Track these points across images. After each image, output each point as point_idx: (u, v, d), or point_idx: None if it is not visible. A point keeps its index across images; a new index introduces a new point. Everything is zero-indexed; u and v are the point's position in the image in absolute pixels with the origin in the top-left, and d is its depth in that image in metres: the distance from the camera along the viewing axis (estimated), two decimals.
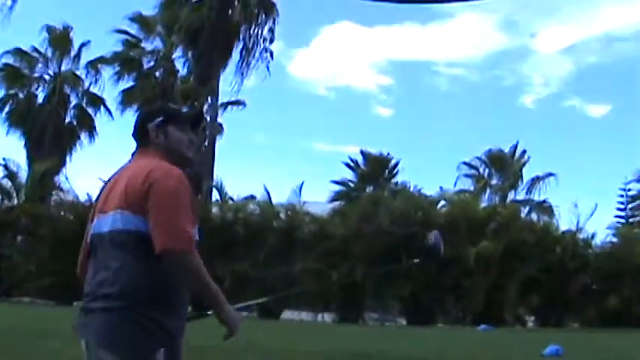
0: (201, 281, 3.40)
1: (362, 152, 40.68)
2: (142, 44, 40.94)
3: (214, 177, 37.37)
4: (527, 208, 40.17)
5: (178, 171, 3.49)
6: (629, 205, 45.01)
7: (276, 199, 33.33)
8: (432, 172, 71.88)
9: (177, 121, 3.72)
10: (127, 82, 40.61)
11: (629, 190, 45.22)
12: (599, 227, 42.48)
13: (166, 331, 3.41)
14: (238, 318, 3.61)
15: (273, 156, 67.29)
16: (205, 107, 39.68)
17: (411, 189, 34.73)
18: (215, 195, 35.76)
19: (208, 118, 38.83)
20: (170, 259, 3.30)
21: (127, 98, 40.11)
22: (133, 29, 40.68)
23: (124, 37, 40.55)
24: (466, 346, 12.56)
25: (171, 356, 3.44)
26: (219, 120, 40.99)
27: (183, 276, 3.38)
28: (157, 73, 41.13)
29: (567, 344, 12.46)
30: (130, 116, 40.02)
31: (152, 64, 41.15)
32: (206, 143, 38.37)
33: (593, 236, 32.95)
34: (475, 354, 9.95)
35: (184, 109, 3.37)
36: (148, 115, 3.75)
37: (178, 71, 41.52)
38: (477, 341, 15.44)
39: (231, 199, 34.13)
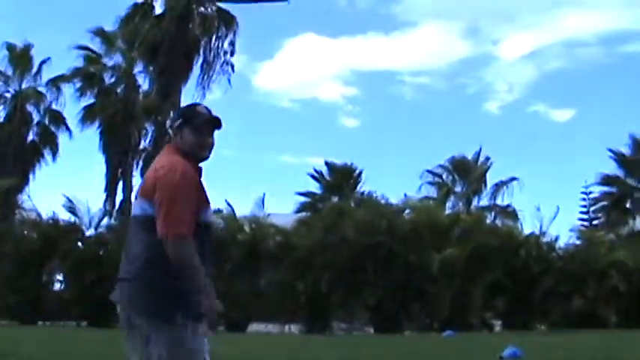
0: (188, 266, 3.93)
1: (326, 163, 40.78)
2: (103, 60, 40.70)
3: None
4: (492, 214, 40.55)
5: (183, 166, 4.09)
6: (592, 208, 45.51)
7: (242, 212, 33.34)
8: (397, 181, 72.26)
9: (193, 124, 4.24)
10: (88, 99, 40.40)
11: (590, 192, 45.75)
12: (563, 230, 42.96)
13: (185, 299, 3.98)
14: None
15: (239, 169, 67.35)
16: (168, 122, 39.55)
17: (376, 198, 34.83)
18: None
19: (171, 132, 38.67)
20: (166, 244, 3.92)
21: (88, 115, 39.87)
22: (95, 45, 40.45)
23: (84, 52, 40.32)
24: (429, 351, 12.62)
25: None
26: None
27: (177, 259, 3.92)
28: (119, 89, 40.93)
29: (529, 346, 12.56)
30: (92, 133, 39.84)
31: (113, 79, 40.95)
32: None
33: (556, 239, 33.28)
34: (436, 358, 10.00)
35: (204, 113, 3.63)
36: (174, 117, 4.44)
37: (140, 86, 41.33)
38: (440, 346, 15.50)
39: None
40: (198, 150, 4.25)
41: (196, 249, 3.96)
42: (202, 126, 4.26)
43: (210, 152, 4.32)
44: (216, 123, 4.36)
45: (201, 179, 4.22)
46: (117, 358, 6.36)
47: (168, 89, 38.77)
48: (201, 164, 4.29)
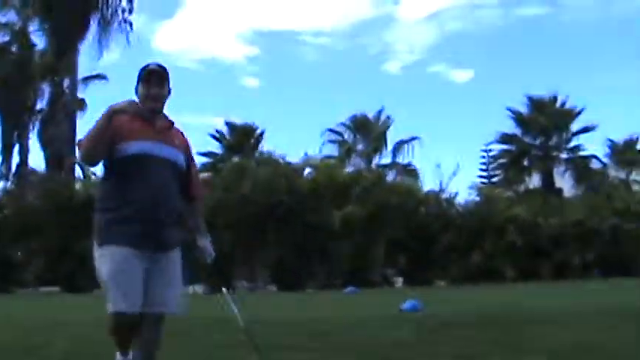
0: None
1: (227, 123, 40.49)
2: None
3: (76, 154, 36.50)
4: (393, 172, 41.01)
5: (113, 105, 4.60)
6: (491, 166, 46.53)
7: None
8: (298, 141, 72.54)
9: (139, 78, 4.80)
10: None
11: (490, 150, 46.74)
12: (464, 188, 43.80)
13: None
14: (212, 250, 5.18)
15: None
16: (66, 83, 38.66)
17: (277, 157, 34.75)
18: (78, 172, 34.95)
19: (68, 93, 37.89)
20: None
21: None
22: None
23: None
24: (331, 306, 12.72)
25: None
26: (81, 95, 39.98)
27: None
28: (13, 48, 39.67)
29: (428, 299, 12.76)
30: None
31: (7, 38, 39.66)
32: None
33: (455, 196, 33.89)
34: (337, 313, 10.06)
35: (146, 65, 4.76)
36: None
37: (35, 45, 40.09)
38: (341, 302, 15.65)
39: (95, 174, 33.40)
40: (143, 100, 4.79)
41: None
42: (141, 78, 4.80)
43: (155, 101, 4.83)
44: (147, 71, 4.79)
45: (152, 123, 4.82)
46: None
47: (65, 48, 37.66)
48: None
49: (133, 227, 4.64)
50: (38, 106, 39.48)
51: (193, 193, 5.20)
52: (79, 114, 39.15)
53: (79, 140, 4.75)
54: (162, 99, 4.92)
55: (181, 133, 5.12)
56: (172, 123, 5.01)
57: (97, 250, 4.76)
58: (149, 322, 4.84)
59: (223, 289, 5.64)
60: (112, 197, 4.74)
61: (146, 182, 4.72)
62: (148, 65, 4.87)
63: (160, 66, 4.93)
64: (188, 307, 5.91)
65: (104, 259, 4.69)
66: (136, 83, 4.83)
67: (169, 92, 4.99)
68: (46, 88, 39.61)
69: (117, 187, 4.72)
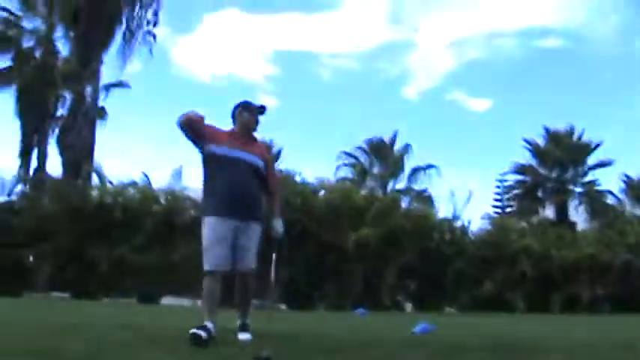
0: None
1: None
2: (22, 22, 39.76)
3: (94, 161, 36.73)
4: (408, 198, 41.04)
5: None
6: (506, 196, 46.48)
7: (159, 185, 33.05)
8: (314, 162, 72.64)
9: (246, 108, 7.93)
10: (5, 62, 39.47)
11: (505, 181, 46.70)
12: (477, 217, 43.77)
13: None
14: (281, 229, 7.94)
15: (157, 142, 66.72)
16: (88, 90, 38.94)
17: (294, 176, 34.80)
18: (95, 179, 35.13)
19: (89, 100, 38.14)
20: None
21: (4, 78, 38.93)
22: (13, 6, 39.50)
23: (2, 14, 39.34)
24: (345, 326, 12.73)
25: None
26: (101, 104, 40.25)
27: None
28: (37, 54, 40.03)
29: (440, 324, 12.76)
30: (7, 97, 38.92)
31: (32, 43, 40.04)
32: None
33: (469, 224, 33.87)
34: (353, 331, 10.09)
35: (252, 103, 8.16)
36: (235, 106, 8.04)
37: (59, 52, 40.42)
38: (353, 322, 15.63)
39: (111, 183, 33.60)
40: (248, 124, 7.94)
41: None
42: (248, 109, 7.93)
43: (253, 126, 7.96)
44: (259, 109, 7.92)
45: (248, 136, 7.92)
46: None
47: (89, 57, 38.00)
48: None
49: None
50: (59, 113, 39.77)
51: (271, 189, 8.05)
52: (99, 122, 39.43)
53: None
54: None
55: (264, 146, 8.56)
56: (256, 139, 8.01)
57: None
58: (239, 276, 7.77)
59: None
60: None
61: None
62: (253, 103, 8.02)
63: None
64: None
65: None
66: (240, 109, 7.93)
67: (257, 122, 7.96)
68: (67, 95, 39.91)
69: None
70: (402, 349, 7.72)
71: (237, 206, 7.50)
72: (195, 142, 7.59)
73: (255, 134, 7.90)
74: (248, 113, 7.78)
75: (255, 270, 7.79)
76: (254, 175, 7.69)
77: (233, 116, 7.85)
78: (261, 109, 7.80)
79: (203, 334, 6.90)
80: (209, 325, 7.19)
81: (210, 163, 7.62)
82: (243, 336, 7.72)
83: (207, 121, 7.52)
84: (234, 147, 7.58)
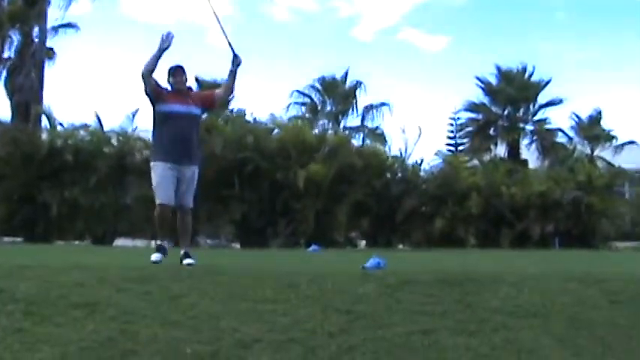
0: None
1: (196, 79, 39.90)
2: None
3: (43, 103, 36.14)
4: (361, 135, 41.16)
5: None
6: (458, 134, 46.74)
7: (111, 126, 32.70)
8: (266, 101, 72.34)
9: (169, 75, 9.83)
10: None
11: (458, 119, 46.91)
12: (430, 155, 44.13)
13: None
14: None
15: (108, 84, 65.86)
16: (35, 30, 38.17)
17: (245, 116, 34.65)
18: (44, 121, 34.60)
19: (37, 41, 37.41)
20: None
21: None
22: None
23: None
24: (297, 262, 12.84)
25: None
26: (50, 44, 39.48)
27: None
28: None
29: (391, 259, 12.92)
30: None
31: None
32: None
33: (421, 162, 34.03)
34: (305, 267, 10.21)
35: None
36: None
37: None
38: (306, 259, 15.77)
39: (62, 125, 33.08)
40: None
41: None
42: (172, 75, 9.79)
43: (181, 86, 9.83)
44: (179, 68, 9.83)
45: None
46: None
47: None
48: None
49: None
50: (5, 54, 38.95)
51: (214, 98, 10.46)
52: (47, 63, 38.73)
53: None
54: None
55: (198, 92, 11.03)
56: (190, 90, 10.03)
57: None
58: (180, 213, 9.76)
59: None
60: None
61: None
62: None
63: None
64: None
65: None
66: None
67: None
68: (14, 36, 39.08)
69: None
70: (352, 283, 7.86)
71: (178, 153, 9.56)
72: (149, 96, 9.50)
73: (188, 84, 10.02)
74: (173, 78, 9.70)
75: (192, 209, 9.90)
76: (193, 124, 9.83)
77: (168, 81, 9.76)
78: (180, 68, 9.80)
79: (159, 258, 9.55)
80: (164, 244, 9.78)
81: (159, 116, 9.62)
82: (187, 260, 9.49)
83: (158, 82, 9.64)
84: (175, 103, 9.56)
